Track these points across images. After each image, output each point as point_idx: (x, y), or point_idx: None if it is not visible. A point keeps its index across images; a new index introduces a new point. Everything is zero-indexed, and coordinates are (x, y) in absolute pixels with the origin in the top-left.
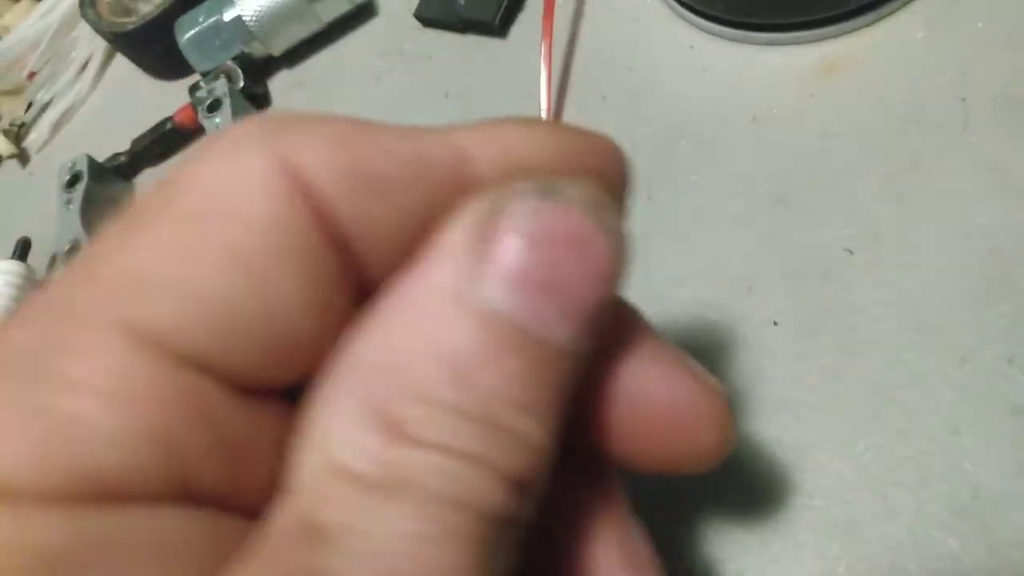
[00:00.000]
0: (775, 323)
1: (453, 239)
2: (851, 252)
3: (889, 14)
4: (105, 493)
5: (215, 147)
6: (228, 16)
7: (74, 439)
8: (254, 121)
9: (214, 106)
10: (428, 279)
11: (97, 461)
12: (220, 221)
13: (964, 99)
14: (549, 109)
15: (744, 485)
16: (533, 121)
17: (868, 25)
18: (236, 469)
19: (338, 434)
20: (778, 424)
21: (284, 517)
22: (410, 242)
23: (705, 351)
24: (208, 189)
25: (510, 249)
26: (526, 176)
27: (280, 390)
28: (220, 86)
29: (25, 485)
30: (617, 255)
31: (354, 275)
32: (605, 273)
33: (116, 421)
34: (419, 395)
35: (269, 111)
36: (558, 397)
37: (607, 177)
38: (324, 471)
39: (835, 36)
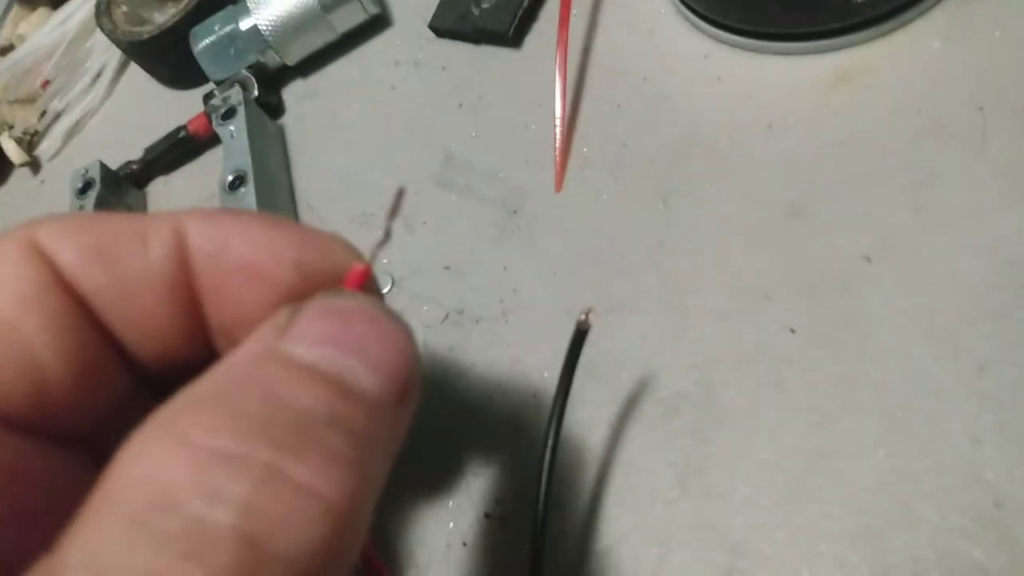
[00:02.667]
0: (792, 331)
1: (260, 331)
2: (869, 260)
3: (905, 24)
4: None
5: None
6: (244, 25)
7: None
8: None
9: (228, 114)
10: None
11: None
12: None
13: (982, 108)
14: (563, 118)
15: (762, 493)
16: (250, 215)
17: (884, 35)
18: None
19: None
20: (795, 432)
21: None
22: (139, 297)
23: (721, 359)
24: None
25: (314, 318)
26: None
27: (59, 439)
28: (235, 94)
29: None
30: (406, 332)
31: (97, 326)
32: (401, 343)
33: None
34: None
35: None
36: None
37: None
38: None
39: (851, 46)
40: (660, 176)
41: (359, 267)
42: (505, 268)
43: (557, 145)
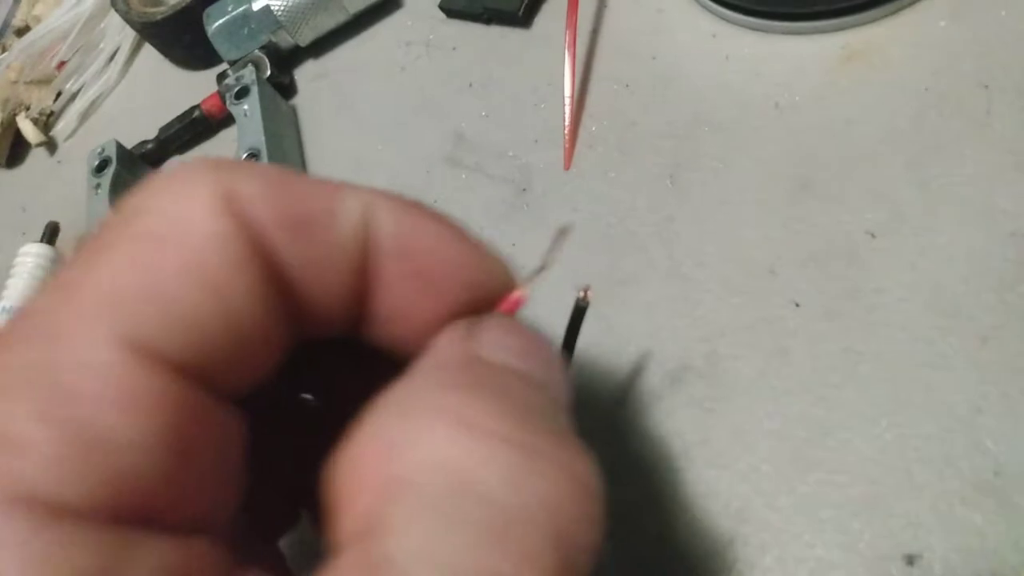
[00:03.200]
0: (797, 304)
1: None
2: (873, 236)
3: (911, 3)
4: (137, 508)
5: (166, 181)
6: (256, 6)
7: (102, 447)
8: (200, 160)
9: (242, 93)
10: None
11: (126, 469)
12: (177, 242)
13: (987, 86)
14: (573, 98)
15: (766, 461)
16: (434, 217)
17: (891, 14)
18: (215, 481)
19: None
20: (800, 403)
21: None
22: (322, 275)
23: (727, 332)
24: (163, 215)
25: (504, 333)
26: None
27: (240, 396)
28: (248, 74)
29: (64, 499)
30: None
31: (288, 292)
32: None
33: (135, 430)
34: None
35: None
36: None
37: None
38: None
39: (857, 25)
40: (668, 153)
41: (517, 295)
42: (514, 245)
43: (566, 124)
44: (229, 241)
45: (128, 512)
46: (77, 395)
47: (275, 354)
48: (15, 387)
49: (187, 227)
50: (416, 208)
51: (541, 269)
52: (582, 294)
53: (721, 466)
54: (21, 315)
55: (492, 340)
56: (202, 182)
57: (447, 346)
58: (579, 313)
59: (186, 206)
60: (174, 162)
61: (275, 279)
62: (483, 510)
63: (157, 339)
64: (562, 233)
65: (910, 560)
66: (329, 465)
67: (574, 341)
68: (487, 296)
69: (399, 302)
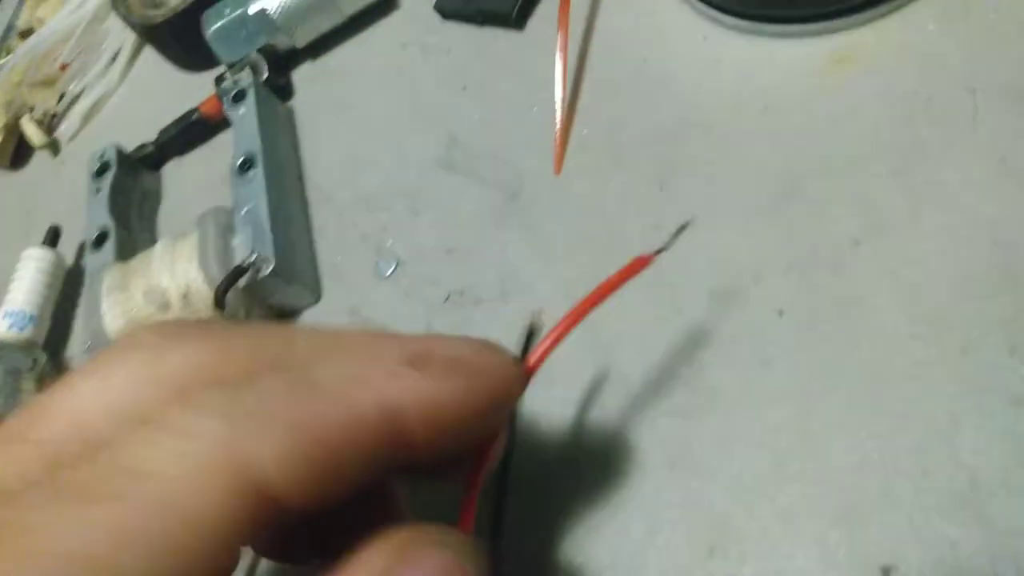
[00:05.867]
0: (781, 313)
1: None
2: (858, 243)
3: (900, 6)
4: None
5: (167, 426)
6: (253, 9)
7: None
8: (209, 400)
9: (239, 97)
10: None
11: None
12: (176, 521)
13: (974, 91)
14: (564, 101)
15: (747, 471)
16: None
17: (880, 17)
18: None
19: None
20: (780, 413)
21: None
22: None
23: (709, 340)
24: (164, 485)
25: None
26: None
27: None
28: (245, 77)
29: None
30: None
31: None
32: None
33: None
34: None
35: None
36: None
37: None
38: None
39: (847, 28)
40: (657, 158)
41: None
42: (505, 250)
43: (557, 127)
44: (241, 526)
45: None
46: None
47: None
48: None
49: (196, 516)
50: (443, 388)
51: (660, 251)
52: (535, 318)
53: (702, 476)
54: None
55: None
56: (210, 445)
57: None
58: (531, 335)
59: (194, 478)
60: (174, 164)
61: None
62: None
63: None
64: (683, 227)
65: (886, 572)
66: None
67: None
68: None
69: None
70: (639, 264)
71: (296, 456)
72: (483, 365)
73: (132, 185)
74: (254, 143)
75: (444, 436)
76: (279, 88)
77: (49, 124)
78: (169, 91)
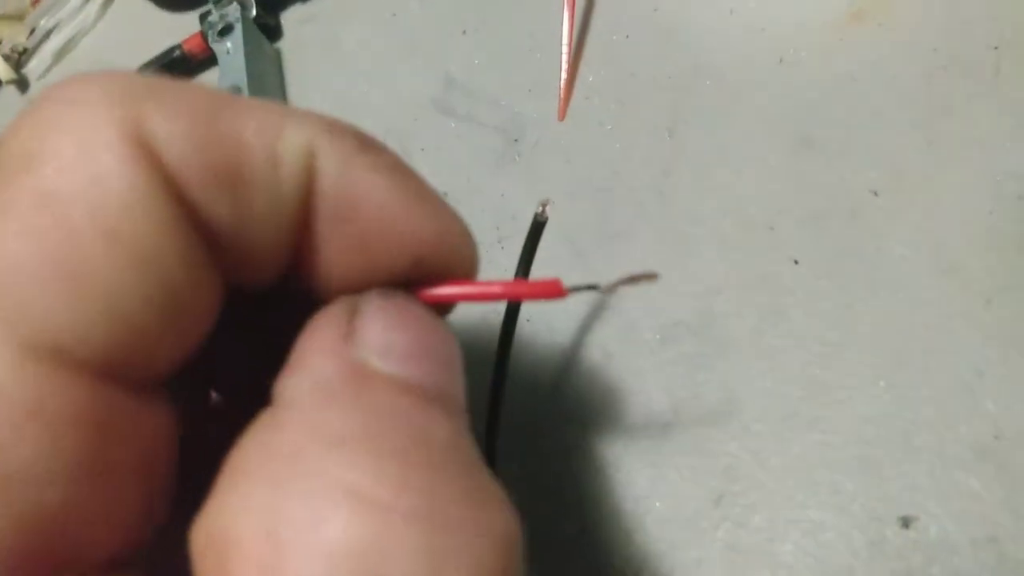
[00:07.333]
0: (796, 262)
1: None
2: (876, 194)
3: None
4: (48, 554)
5: (59, 109)
6: None
7: None
8: (99, 76)
9: (225, 31)
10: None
11: (31, 509)
12: (87, 203)
13: (996, 47)
14: (571, 46)
15: (758, 420)
16: (388, 168)
17: None
18: (142, 499)
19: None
20: (796, 361)
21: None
22: (259, 234)
23: (723, 288)
24: (63, 165)
25: (379, 320)
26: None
27: (166, 379)
28: (233, 11)
29: None
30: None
31: (217, 252)
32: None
33: (40, 460)
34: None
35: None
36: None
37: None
38: None
39: None
40: (667, 106)
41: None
42: (503, 195)
43: (563, 73)
44: (150, 199)
45: (39, 559)
46: None
47: (206, 325)
48: None
49: (96, 182)
50: (366, 152)
51: (591, 288)
52: (540, 209)
53: (710, 424)
54: None
55: (377, 340)
56: (106, 115)
57: (325, 354)
58: (537, 229)
59: (91, 152)
60: None
61: (203, 240)
62: None
63: (67, 335)
64: (641, 278)
65: (905, 523)
66: (194, 532)
67: (531, 258)
68: (439, 264)
69: (334, 263)
70: (552, 291)
71: (195, 138)
72: (433, 205)
73: None
74: (240, 77)
75: (355, 236)
76: (268, 27)
77: (18, 60)
78: (150, 30)
